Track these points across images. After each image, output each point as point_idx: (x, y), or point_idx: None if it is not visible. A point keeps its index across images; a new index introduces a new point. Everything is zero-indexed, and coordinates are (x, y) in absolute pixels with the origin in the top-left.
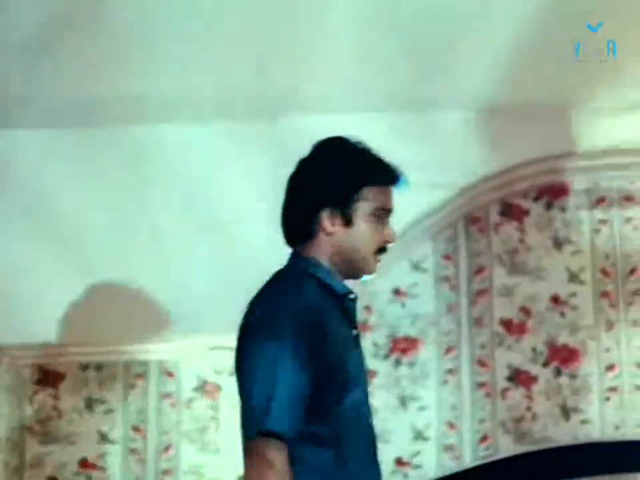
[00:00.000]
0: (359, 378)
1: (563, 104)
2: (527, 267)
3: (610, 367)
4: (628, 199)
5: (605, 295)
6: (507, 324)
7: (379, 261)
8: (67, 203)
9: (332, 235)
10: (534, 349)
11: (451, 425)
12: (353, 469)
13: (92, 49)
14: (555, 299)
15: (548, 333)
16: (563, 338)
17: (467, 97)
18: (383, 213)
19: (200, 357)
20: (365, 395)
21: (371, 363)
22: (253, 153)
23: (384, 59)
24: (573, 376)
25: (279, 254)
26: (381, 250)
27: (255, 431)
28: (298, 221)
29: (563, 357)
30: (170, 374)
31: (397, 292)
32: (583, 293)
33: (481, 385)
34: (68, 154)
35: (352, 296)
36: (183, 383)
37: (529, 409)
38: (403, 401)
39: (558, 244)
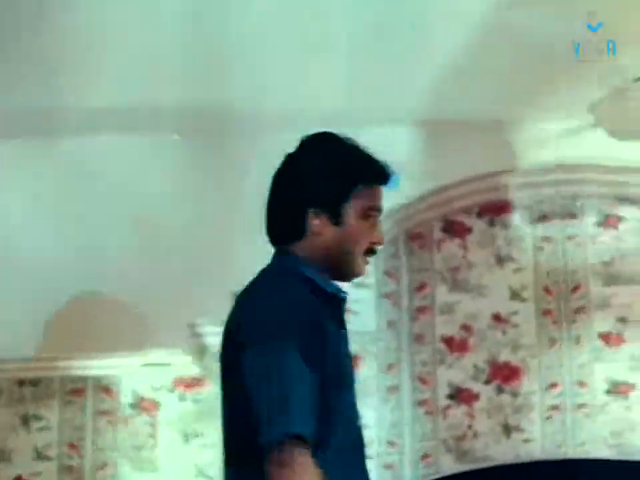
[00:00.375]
0: (351, 379)
1: (505, 120)
2: (469, 284)
3: (552, 385)
4: (571, 215)
5: (547, 312)
6: (448, 341)
7: (368, 262)
8: None
9: (320, 235)
10: (475, 367)
11: (392, 443)
12: (348, 473)
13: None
14: (497, 317)
15: (489, 350)
16: (505, 356)
17: (407, 112)
18: (373, 213)
19: (137, 373)
20: (355, 397)
21: None
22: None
23: (323, 74)
24: (514, 394)
25: (223, 275)
26: (370, 251)
27: (277, 436)
28: (284, 220)
29: (504, 374)
30: (107, 390)
31: None
32: (525, 310)
33: (422, 402)
34: None
35: (342, 295)
36: (120, 400)
37: (470, 427)
38: None
39: (500, 261)
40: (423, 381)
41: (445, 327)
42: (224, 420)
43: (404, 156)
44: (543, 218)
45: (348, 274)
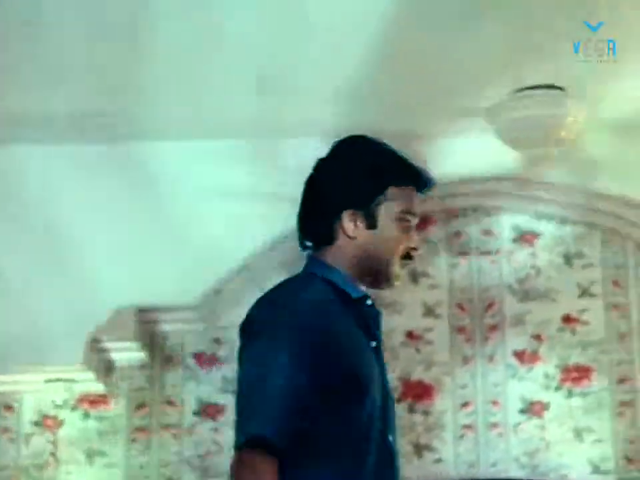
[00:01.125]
0: (376, 392)
1: (417, 132)
2: (384, 301)
3: (465, 404)
4: (486, 233)
5: (461, 329)
6: None
7: (404, 268)
8: None
9: (354, 239)
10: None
11: None
12: None
13: None
14: (410, 334)
15: (402, 368)
16: (418, 373)
17: (319, 123)
18: (408, 216)
19: (40, 390)
20: (384, 411)
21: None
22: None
23: (234, 87)
24: (426, 413)
25: (122, 290)
26: (407, 257)
27: (240, 438)
28: (317, 224)
29: (417, 392)
30: (8, 407)
31: None
32: (439, 327)
33: None
34: None
35: (369, 302)
36: (22, 417)
37: None
38: None
39: (415, 278)
40: None
41: None
42: None
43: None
44: (459, 235)
45: (383, 280)
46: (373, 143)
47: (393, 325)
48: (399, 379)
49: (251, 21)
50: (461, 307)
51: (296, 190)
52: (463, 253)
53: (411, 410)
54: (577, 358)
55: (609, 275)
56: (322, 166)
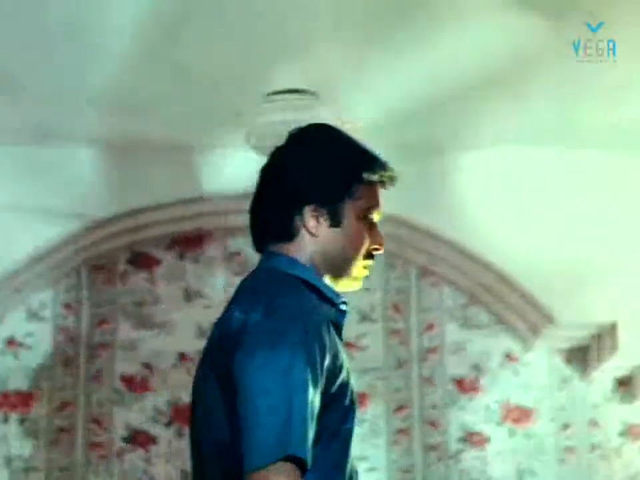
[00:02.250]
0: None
1: (196, 144)
2: (154, 321)
3: None
4: None
5: None
6: (128, 381)
7: (367, 269)
8: None
9: (315, 237)
10: (156, 408)
11: None
12: None
13: None
14: (182, 355)
15: (172, 391)
16: (187, 397)
17: (88, 131)
18: (373, 213)
19: None
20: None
21: None
22: None
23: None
24: None
25: None
26: (370, 256)
27: (271, 457)
28: (274, 219)
29: (186, 417)
30: None
31: (10, 342)
32: None
33: (97, 445)
34: None
35: (344, 307)
36: None
37: (145, 472)
38: None
39: (188, 297)
40: (98, 422)
41: (126, 365)
42: (200, 440)
43: (86, 178)
44: (236, 254)
45: (345, 282)
46: (338, 134)
47: (163, 347)
48: (168, 403)
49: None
50: None
51: (61, 200)
52: (242, 273)
53: (180, 435)
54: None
55: (390, 300)
56: (282, 155)
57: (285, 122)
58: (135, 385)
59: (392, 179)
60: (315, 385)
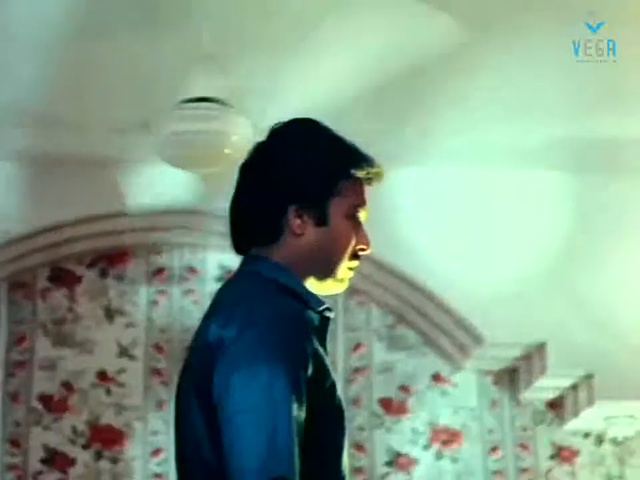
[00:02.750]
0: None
1: (117, 158)
2: (74, 339)
3: (156, 451)
4: (190, 270)
5: (156, 372)
6: (46, 400)
7: (352, 270)
8: None
9: (300, 237)
10: (74, 429)
11: None
12: None
13: None
14: (102, 375)
15: (91, 411)
16: (107, 418)
17: (10, 146)
18: (359, 211)
19: None
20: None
21: None
22: None
23: None
24: (114, 460)
25: None
26: (355, 257)
27: (252, 477)
28: (257, 220)
29: (105, 438)
30: None
31: None
32: (133, 369)
33: (14, 467)
34: None
35: (329, 313)
36: None
37: None
38: None
39: (110, 315)
40: (14, 443)
41: (45, 384)
42: (184, 457)
43: (4, 194)
44: (160, 271)
45: (329, 284)
46: (321, 130)
47: (83, 366)
48: (87, 423)
49: None
50: (158, 347)
51: None
52: (164, 290)
53: (98, 457)
54: None
55: None
56: (263, 151)
57: (196, 131)
58: (54, 404)
59: (379, 175)
60: (298, 399)
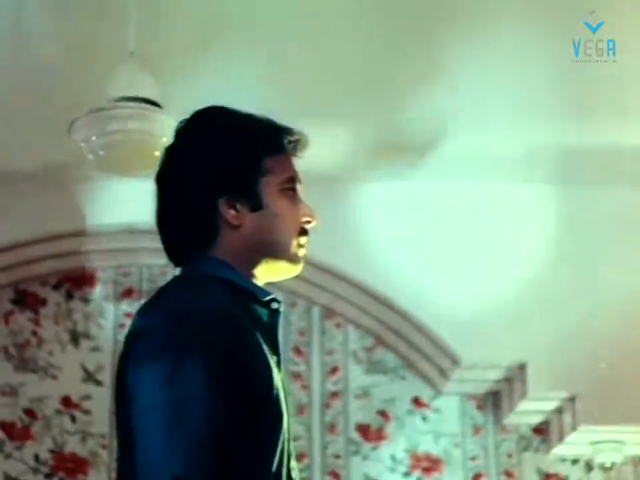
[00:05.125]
0: (287, 418)
1: (77, 176)
2: (37, 364)
3: None
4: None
5: None
6: (8, 428)
7: (303, 247)
8: None
9: (239, 227)
10: (37, 458)
11: None
12: None
13: None
14: (67, 401)
15: (55, 439)
16: (72, 446)
17: None
18: (292, 185)
19: None
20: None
21: None
22: None
23: None
24: None
25: None
26: (303, 232)
27: (158, 477)
28: (189, 224)
29: (69, 467)
30: None
31: None
32: (99, 395)
33: None
34: None
35: (275, 305)
36: None
37: None
38: None
39: (75, 339)
40: None
41: (6, 411)
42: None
43: None
44: (128, 293)
45: (284, 267)
46: (230, 113)
47: (46, 392)
48: (50, 451)
49: None
50: None
51: None
52: (132, 313)
53: None
54: None
55: (291, 341)
56: (175, 153)
57: (123, 131)
58: (15, 432)
59: (301, 142)
60: (217, 398)
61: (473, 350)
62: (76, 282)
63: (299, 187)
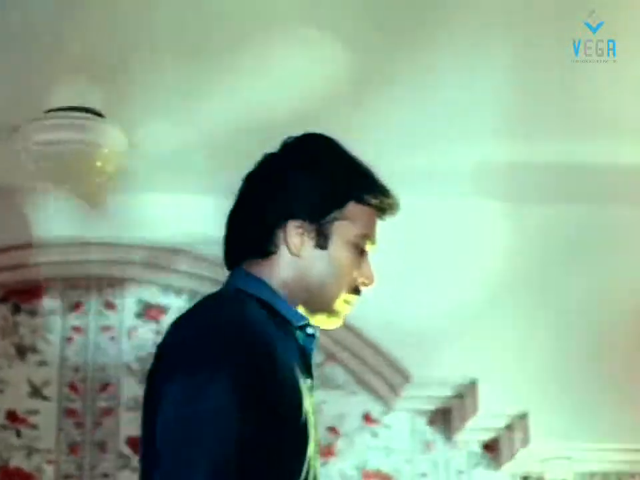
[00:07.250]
0: (317, 444)
1: (24, 186)
2: None
3: None
4: (108, 305)
5: (70, 413)
6: None
7: (349, 304)
8: None
9: (296, 256)
10: None
11: None
12: None
13: None
14: (13, 416)
15: (0, 454)
16: (17, 461)
17: None
18: (366, 243)
19: None
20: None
21: None
22: None
23: None
24: None
25: None
26: (355, 291)
27: None
28: (251, 231)
29: None
30: None
31: None
32: (46, 410)
33: None
34: None
35: (310, 330)
36: None
37: None
38: None
39: (21, 352)
40: None
41: None
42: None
43: None
44: (77, 306)
45: (322, 317)
46: (336, 146)
47: None
48: None
49: None
50: (73, 387)
51: None
52: (81, 327)
53: None
54: None
55: None
56: (270, 162)
57: (64, 141)
58: None
59: (392, 208)
60: (244, 407)
61: (424, 366)
62: (22, 295)
63: (369, 248)
